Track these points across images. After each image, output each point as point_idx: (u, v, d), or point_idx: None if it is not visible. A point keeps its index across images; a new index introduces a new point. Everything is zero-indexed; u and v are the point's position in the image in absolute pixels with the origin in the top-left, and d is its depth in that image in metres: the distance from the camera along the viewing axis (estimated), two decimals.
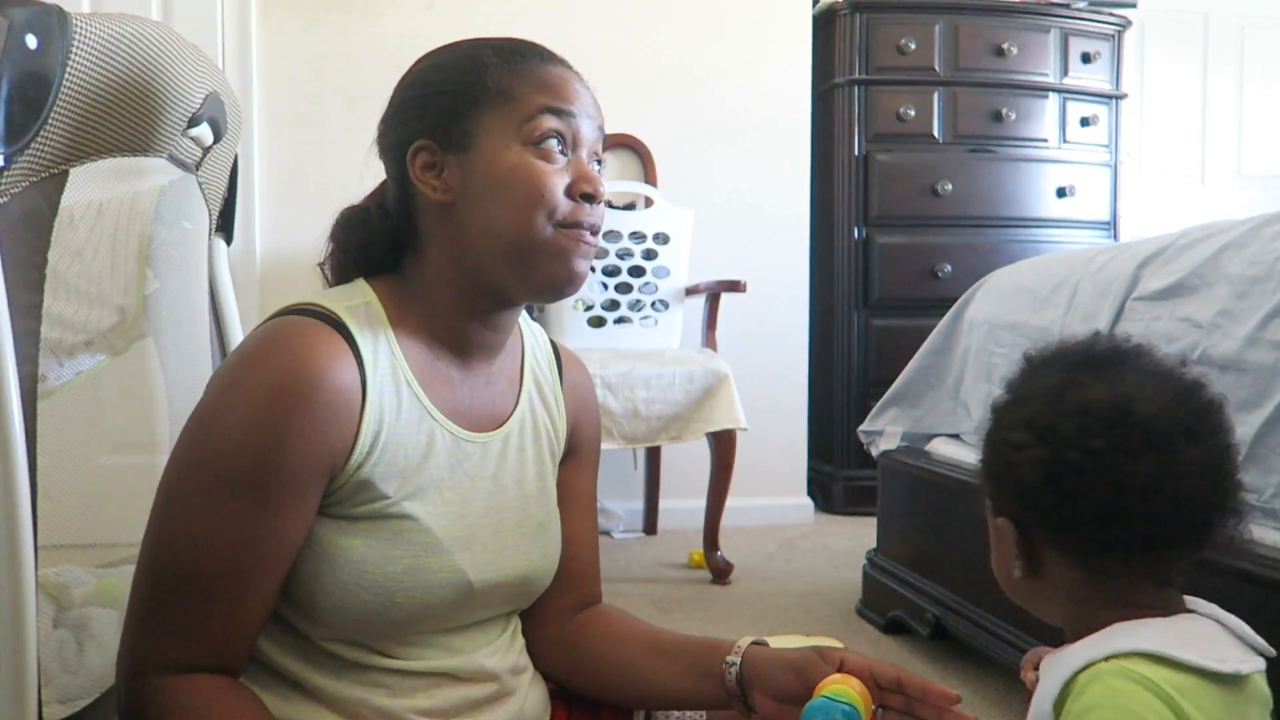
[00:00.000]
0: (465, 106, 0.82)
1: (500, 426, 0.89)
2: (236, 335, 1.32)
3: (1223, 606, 0.70)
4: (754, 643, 0.89)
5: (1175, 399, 0.67)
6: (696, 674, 0.89)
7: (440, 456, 0.83)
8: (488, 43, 0.85)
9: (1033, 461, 0.68)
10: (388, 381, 0.80)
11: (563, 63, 0.86)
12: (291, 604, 0.80)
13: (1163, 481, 0.65)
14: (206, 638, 0.75)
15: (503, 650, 0.90)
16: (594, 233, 0.83)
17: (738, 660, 0.87)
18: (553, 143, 0.81)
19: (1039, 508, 0.69)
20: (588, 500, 1.01)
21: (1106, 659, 0.63)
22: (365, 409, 0.78)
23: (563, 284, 0.83)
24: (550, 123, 0.81)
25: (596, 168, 0.86)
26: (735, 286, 2.64)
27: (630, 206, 2.92)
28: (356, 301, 0.82)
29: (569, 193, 0.81)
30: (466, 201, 0.82)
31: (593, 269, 2.69)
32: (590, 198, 0.82)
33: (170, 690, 0.74)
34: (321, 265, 0.91)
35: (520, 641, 0.94)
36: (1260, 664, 0.65)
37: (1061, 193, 3.32)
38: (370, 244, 0.88)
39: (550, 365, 0.97)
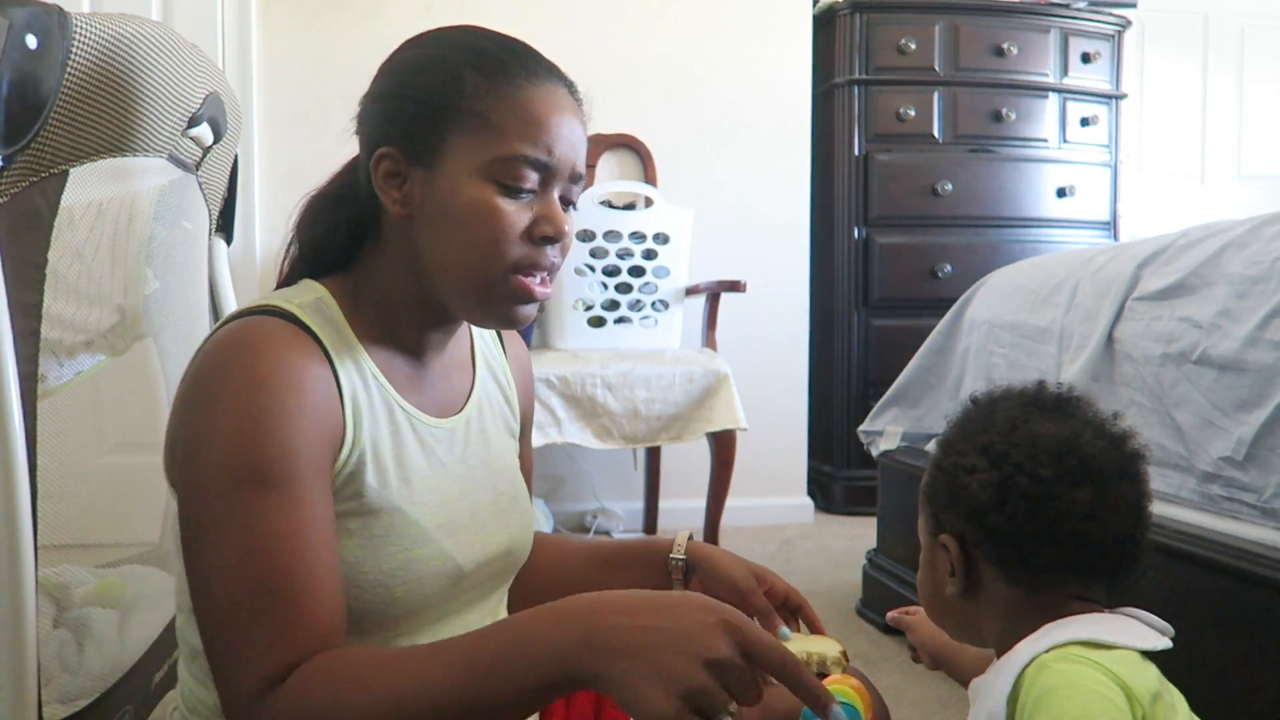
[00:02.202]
0: (436, 122, 0.78)
1: (460, 411, 0.90)
2: None
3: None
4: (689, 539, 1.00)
5: (1112, 442, 0.76)
6: (646, 571, 1.00)
7: (412, 447, 0.83)
8: (473, 48, 0.80)
9: (984, 483, 0.75)
10: (355, 375, 0.79)
11: (550, 75, 0.79)
12: None
13: (1097, 511, 0.73)
14: (300, 632, 0.69)
15: None
16: (552, 273, 0.80)
17: (682, 557, 0.98)
18: (522, 184, 0.77)
19: (984, 526, 0.75)
20: (527, 465, 1.04)
21: (1048, 650, 0.69)
22: (343, 401, 0.77)
23: (507, 326, 0.82)
24: (524, 170, 0.76)
25: (574, 189, 0.81)
26: (735, 286, 2.64)
27: (630, 206, 2.92)
28: (307, 298, 0.80)
29: (528, 234, 0.78)
30: (424, 221, 0.79)
31: (592, 269, 2.71)
32: (551, 240, 0.79)
33: (288, 699, 0.67)
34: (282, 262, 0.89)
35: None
36: (1168, 642, 0.72)
37: (1061, 193, 3.32)
38: (327, 238, 0.85)
39: (495, 342, 1.00)
